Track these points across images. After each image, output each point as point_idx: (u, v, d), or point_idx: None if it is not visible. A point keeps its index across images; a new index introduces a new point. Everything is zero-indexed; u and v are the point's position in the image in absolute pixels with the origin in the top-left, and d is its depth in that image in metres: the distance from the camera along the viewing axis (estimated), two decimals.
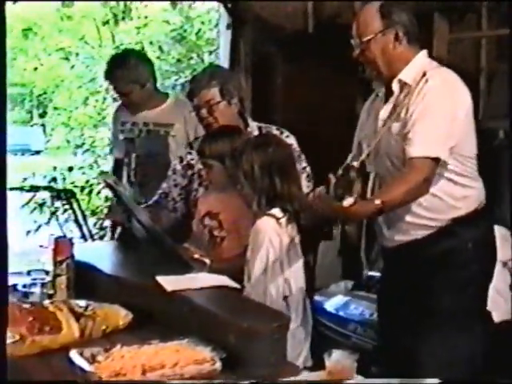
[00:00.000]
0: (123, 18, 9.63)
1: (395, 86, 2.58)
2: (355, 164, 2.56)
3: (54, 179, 7.64)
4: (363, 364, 1.99)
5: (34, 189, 6.03)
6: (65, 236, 3.14)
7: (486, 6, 4.24)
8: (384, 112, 2.61)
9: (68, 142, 9.42)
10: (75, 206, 5.28)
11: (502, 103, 3.67)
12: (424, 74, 2.51)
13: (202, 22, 7.97)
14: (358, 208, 2.32)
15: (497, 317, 2.85)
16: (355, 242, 2.60)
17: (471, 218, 2.59)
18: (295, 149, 3.12)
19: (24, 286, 2.64)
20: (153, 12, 8.91)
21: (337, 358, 1.93)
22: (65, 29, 13.50)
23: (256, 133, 3.20)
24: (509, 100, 3.06)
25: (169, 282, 2.47)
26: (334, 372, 1.93)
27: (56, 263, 2.66)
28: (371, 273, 3.85)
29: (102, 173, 6.86)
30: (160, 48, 8.16)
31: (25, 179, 7.54)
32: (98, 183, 7.19)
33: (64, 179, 7.87)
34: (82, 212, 5.38)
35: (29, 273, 2.84)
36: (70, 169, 7.97)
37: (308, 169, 3.18)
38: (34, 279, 2.70)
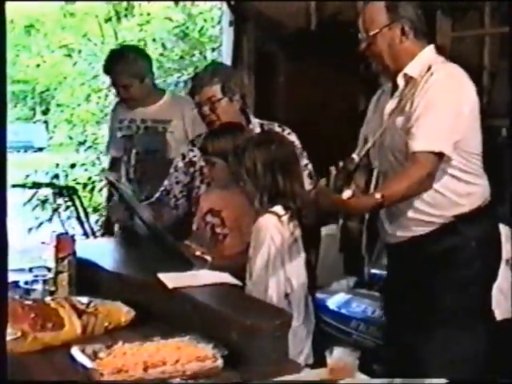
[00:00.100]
0: (126, 16, 9.65)
1: (400, 80, 2.56)
2: (355, 156, 2.55)
3: (57, 176, 7.64)
4: (365, 362, 1.99)
5: (37, 186, 6.02)
6: (67, 233, 3.15)
7: (489, 4, 4.23)
8: (389, 106, 2.59)
9: (70, 138, 9.43)
10: (77, 202, 5.27)
11: (504, 101, 3.66)
12: (429, 68, 2.49)
13: (205, 20, 7.96)
14: (357, 201, 2.30)
15: (498, 315, 2.84)
16: (356, 237, 2.59)
17: (475, 215, 2.56)
18: (297, 146, 3.11)
19: (26, 283, 2.63)
20: (155, 9, 8.92)
21: (339, 356, 1.93)
22: (67, 26, 13.52)
23: (258, 130, 3.20)
24: (510, 98, 3.05)
25: (170, 279, 2.47)
26: (335, 369, 1.93)
27: (58, 260, 2.67)
28: (373, 270, 3.84)
29: (104, 170, 6.86)
30: (163, 45, 8.14)
31: (27, 176, 7.55)
32: (100, 180, 7.19)
33: (66, 176, 7.89)
34: (84, 209, 5.37)
35: (31, 270, 2.84)
36: (73, 166, 7.99)
37: (310, 166, 3.17)
38: (36, 276, 2.70)
